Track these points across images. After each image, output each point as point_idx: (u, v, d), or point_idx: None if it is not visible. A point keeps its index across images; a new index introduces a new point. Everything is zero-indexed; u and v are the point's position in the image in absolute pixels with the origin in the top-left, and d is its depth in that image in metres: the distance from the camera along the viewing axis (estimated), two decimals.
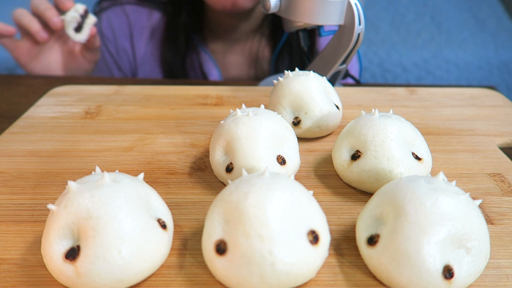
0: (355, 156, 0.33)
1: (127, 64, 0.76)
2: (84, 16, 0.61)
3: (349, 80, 0.68)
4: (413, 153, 0.33)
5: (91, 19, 0.62)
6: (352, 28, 0.46)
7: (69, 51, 0.66)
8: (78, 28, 0.60)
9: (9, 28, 0.60)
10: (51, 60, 0.65)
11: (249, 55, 0.75)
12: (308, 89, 0.39)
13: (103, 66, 0.76)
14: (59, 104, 0.48)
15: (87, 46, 0.64)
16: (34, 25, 0.59)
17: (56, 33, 0.63)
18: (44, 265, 0.26)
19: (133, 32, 0.74)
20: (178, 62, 0.73)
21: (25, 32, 0.61)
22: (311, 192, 0.27)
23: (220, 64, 0.75)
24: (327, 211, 0.31)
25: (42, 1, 0.59)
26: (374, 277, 0.26)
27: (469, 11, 1.40)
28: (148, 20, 0.74)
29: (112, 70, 0.76)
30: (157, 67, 0.75)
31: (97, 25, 0.66)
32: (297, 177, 0.35)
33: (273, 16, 0.71)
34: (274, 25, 0.73)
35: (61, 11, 0.60)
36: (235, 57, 0.76)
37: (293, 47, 0.71)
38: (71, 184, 0.25)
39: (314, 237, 0.24)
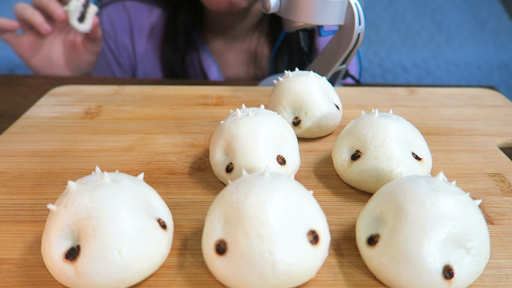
0: (355, 156, 0.33)
1: (127, 61, 0.76)
2: (85, 6, 0.60)
3: (349, 80, 0.68)
4: (413, 153, 0.33)
5: (93, 8, 0.62)
6: (352, 28, 0.46)
7: (71, 43, 0.66)
8: (81, 18, 0.60)
9: (12, 23, 0.60)
10: (54, 54, 0.65)
11: (248, 52, 0.75)
12: (308, 89, 0.39)
13: (103, 62, 0.76)
14: (59, 104, 0.48)
15: (90, 36, 0.64)
16: (37, 18, 0.59)
17: (58, 25, 0.63)
18: (44, 265, 0.26)
19: (133, 28, 0.74)
20: (178, 60, 0.73)
21: (27, 26, 0.61)
22: (311, 192, 0.27)
23: (220, 62, 0.75)
24: (327, 211, 0.31)
25: None
26: (374, 277, 0.26)
27: (469, 11, 1.40)
28: (149, 16, 0.74)
29: (112, 66, 0.76)
30: (157, 64, 0.75)
31: (98, 19, 0.66)
32: (297, 177, 0.35)
33: (272, 14, 0.71)
34: (273, 22, 0.73)
35: (62, 2, 0.60)
36: (234, 55, 0.76)
37: (292, 45, 0.71)
38: (71, 184, 0.25)
39: (314, 237, 0.24)
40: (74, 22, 0.60)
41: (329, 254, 0.27)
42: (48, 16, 0.60)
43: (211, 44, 0.75)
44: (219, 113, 0.47)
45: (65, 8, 0.59)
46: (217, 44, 0.75)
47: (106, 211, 0.24)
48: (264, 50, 0.74)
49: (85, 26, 0.61)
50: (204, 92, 0.52)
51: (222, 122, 0.34)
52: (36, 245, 0.28)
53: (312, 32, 0.62)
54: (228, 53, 0.76)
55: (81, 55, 0.67)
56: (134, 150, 0.39)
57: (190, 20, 0.71)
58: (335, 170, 0.36)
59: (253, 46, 0.74)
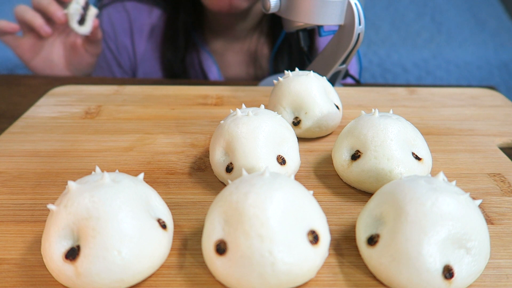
0: (355, 156, 0.33)
1: (127, 61, 0.76)
2: (85, 8, 0.60)
3: (349, 80, 0.68)
4: (413, 153, 0.33)
5: (93, 10, 0.62)
6: (352, 28, 0.46)
7: (71, 45, 0.66)
8: (81, 21, 0.60)
9: (12, 25, 0.60)
10: (54, 55, 0.65)
11: (248, 53, 0.75)
12: (308, 89, 0.39)
13: (103, 63, 0.76)
14: (59, 104, 0.48)
15: (90, 38, 0.64)
16: (37, 20, 0.59)
17: (58, 27, 0.63)
18: (44, 265, 0.26)
19: (133, 29, 0.74)
20: (178, 60, 0.73)
21: (28, 28, 0.61)
22: (311, 192, 0.27)
23: (220, 62, 0.76)
24: (327, 211, 0.31)
25: None
26: (374, 277, 0.26)
27: (469, 11, 1.40)
28: (149, 17, 0.74)
29: (112, 67, 0.76)
30: (157, 65, 0.75)
31: (98, 21, 0.66)
32: (297, 177, 0.35)
33: (272, 14, 0.71)
34: (273, 22, 0.73)
35: (63, 4, 0.60)
36: (234, 55, 0.76)
37: (292, 45, 0.71)
38: (71, 184, 0.25)
39: (314, 237, 0.24)
40: (74, 25, 0.60)
41: (329, 254, 0.27)
42: (48, 18, 0.60)
43: (211, 44, 0.75)
44: (219, 113, 0.47)
45: (65, 11, 0.59)
46: (217, 44, 0.75)
47: (106, 211, 0.24)
48: (264, 50, 0.74)
49: (85, 29, 0.61)
50: (204, 92, 0.52)
51: (222, 122, 0.34)
52: (36, 245, 0.28)
53: (312, 32, 0.62)
54: (228, 53, 0.76)
55: (81, 57, 0.67)
56: (134, 150, 0.39)
57: (190, 20, 0.71)
58: (335, 170, 0.36)
59: (253, 46, 0.74)
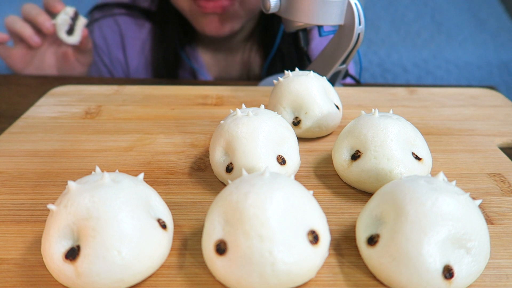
0: (355, 156, 0.33)
1: (121, 74, 0.77)
2: (74, 18, 0.61)
3: (349, 80, 0.68)
4: (413, 153, 0.33)
5: (82, 20, 0.62)
6: (352, 28, 0.46)
7: (62, 55, 0.66)
8: (70, 31, 0.61)
9: (2, 35, 0.61)
10: (45, 65, 0.66)
11: (241, 63, 0.76)
12: (308, 89, 0.39)
13: (97, 76, 0.76)
14: (59, 104, 0.48)
15: (80, 48, 0.64)
16: (26, 31, 0.59)
17: (49, 38, 0.63)
18: (44, 265, 0.26)
19: (125, 42, 0.75)
20: (170, 73, 0.73)
21: (18, 39, 0.62)
22: (311, 192, 0.27)
23: (212, 74, 0.76)
24: (327, 211, 0.31)
25: (33, 6, 0.60)
26: (374, 277, 0.26)
27: (469, 11, 1.40)
28: (140, 31, 0.74)
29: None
30: (150, 77, 0.76)
31: (90, 35, 0.66)
32: (297, 177, 0.35)
33: (264, 21, 0.71)
34: (265, 32, 0.73)
35: (52, 15, 0.60)
36: (227, 66, 0.76)
37: (284, 54, 0.72)
38: (71, 184, 0.25)
39: (314, 237, 0.24)
40: (62, 35, 0.60)
41: (329, 254, 0.27)
42: (38, 29, 0.60)
43: (203, 57, 0.76)
44: (219, 113, 0.47)
45: (53, 21, 0.59)
46: (209, 57, 0.76)
47: (106, 211, 0.24)
48: (257, 60, 0.75)
49: (74, 38, 0.61)
50: (204, 92, 0.52)
51: (222, 122, 0.34)
52: (36, 245, 0.28)
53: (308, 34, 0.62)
54: (221, 65, 0.76)
55: (72, 67, 0.67)
56: (134, 150, 0.39)
57: (180, 35, 0.72)
58: (335, 170, 0.36)
59: (246, 56, 0.75)
